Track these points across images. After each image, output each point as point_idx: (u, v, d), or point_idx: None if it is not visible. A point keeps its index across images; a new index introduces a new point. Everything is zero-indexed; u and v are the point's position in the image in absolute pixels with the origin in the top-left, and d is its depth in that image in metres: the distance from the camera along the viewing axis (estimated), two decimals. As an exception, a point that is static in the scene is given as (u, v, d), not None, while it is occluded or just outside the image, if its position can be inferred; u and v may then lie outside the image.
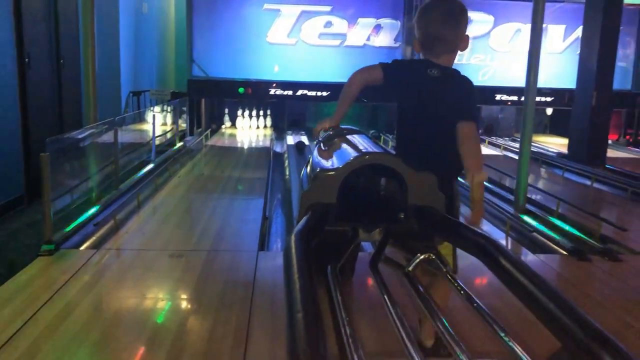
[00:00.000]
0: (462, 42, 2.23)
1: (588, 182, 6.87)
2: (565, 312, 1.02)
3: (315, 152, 2.29)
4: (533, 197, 5.60)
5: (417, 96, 2.19)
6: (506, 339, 1.20)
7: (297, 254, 1.32)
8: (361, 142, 2.21)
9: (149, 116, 7.60)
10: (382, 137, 10.05)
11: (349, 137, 2.33)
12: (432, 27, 2.20)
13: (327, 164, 1.97)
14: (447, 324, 1.31)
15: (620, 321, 2.85)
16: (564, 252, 3.98)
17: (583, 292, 3.31)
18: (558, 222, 4.58)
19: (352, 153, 1.96)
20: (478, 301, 1.40)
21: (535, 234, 4.42)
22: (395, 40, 10.31)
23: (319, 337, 0.97)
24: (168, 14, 12.53)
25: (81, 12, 5.43)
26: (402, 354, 1.19)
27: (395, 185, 1.93)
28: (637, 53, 10.96)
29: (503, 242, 4.43)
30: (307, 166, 2.25)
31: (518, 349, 1.17)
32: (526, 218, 4.74)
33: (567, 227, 4.43)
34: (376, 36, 10.24)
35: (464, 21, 2.23)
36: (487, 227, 4.79)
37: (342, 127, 2.53)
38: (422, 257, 1.59)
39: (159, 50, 11.89)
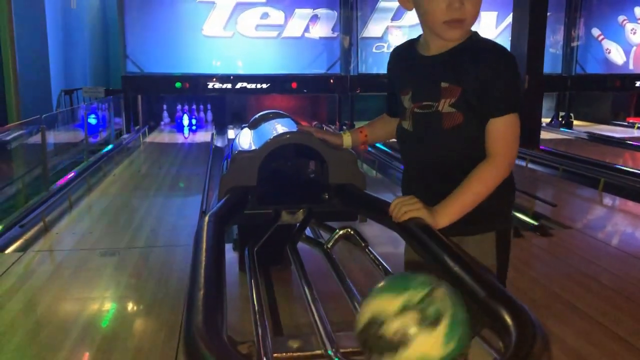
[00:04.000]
0: None
1: (523, 163, 7.07)
2: (477, 280, 1.02)
3: (237, 136, 2.24)
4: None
5: None
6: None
7: (207, 234, 1.29)
8: (283, 124, 2.17)
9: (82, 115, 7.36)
10: (324, 129, 10.05)
11: (272, 120, 2.29)
12: None
13: (245, 146, 1.93)
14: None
15: (549, 292, 2.93)
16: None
17: (517, 268, 3.39)
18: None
19: (272, 134, 1.92)
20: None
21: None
22: (333, 30, 10.31)
23: (217, 315, 0.94)
24: (99, 9, 12.11)
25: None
26: (312, 329, 1.17)
27: (317, 166, 1.91)
28: (566, 38, 11.35)
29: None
30: (229, 150, 2.20)
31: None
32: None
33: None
34: (314, 27, 10.22)
35: None
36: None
37: (269, 111, 2.49)
38: (340, 232, 1.57)
39: (91, 46, 11.48)
